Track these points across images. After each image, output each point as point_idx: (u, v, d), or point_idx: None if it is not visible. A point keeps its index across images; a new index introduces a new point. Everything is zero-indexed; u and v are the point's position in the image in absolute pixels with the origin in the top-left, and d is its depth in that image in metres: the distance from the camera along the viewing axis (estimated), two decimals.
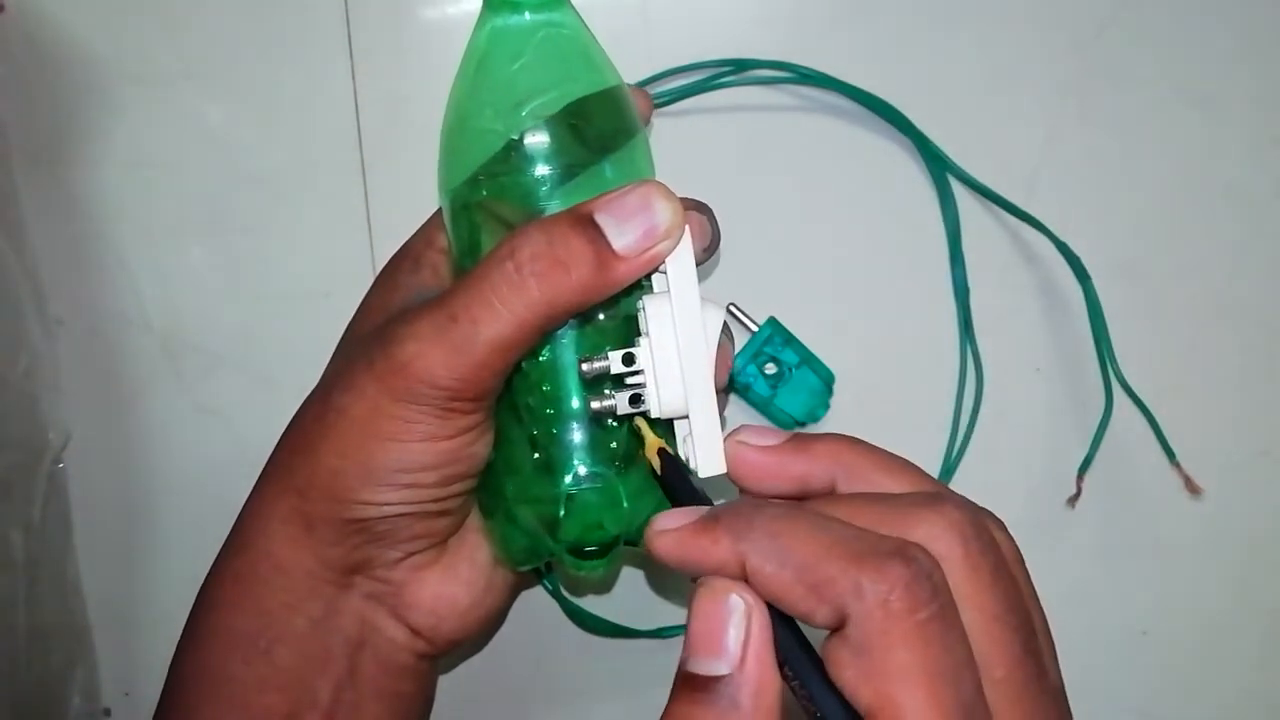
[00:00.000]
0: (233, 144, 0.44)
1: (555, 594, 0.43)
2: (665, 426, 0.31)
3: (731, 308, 0.43)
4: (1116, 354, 0.43)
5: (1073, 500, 0.43)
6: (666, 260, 0.30)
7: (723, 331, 0.33)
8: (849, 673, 0.24)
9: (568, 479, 0.32)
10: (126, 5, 0.44)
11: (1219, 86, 0.44)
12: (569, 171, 0.31)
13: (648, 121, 0.35)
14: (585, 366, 0.30)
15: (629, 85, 0.34)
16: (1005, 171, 0.43)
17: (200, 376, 0.44)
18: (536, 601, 0.44)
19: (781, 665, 0.25)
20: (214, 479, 0.43)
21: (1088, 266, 0.43)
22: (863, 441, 0.30)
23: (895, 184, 0.44)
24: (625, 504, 0.32)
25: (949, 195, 0.43)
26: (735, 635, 0.25)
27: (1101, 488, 0.43)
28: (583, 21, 0.33)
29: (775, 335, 0.42)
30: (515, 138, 0.31)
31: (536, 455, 0.32)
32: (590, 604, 0.44)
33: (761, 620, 0.25)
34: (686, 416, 0.30)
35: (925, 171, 0.44)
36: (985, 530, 0.26)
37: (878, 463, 0.29)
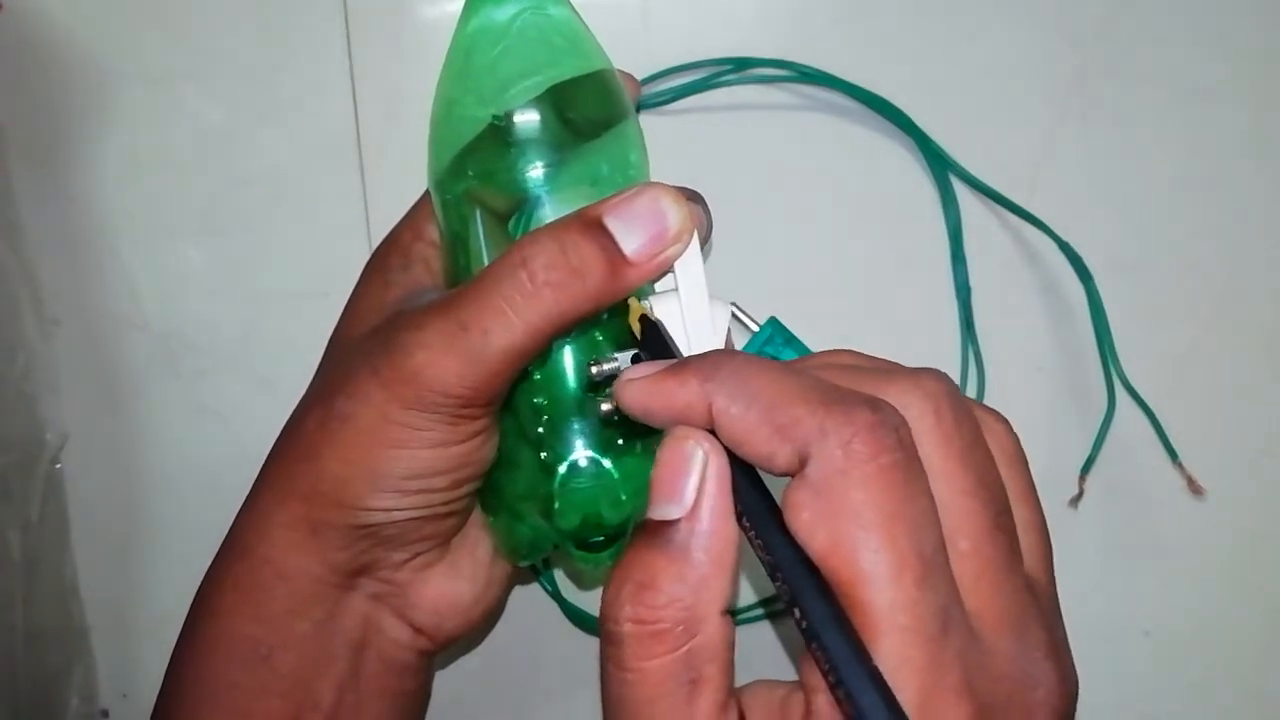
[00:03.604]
0: (231, 144, 0.44)
1: (555, 595, 0.43)
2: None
3: (732, 307, 0.43)
4: (1119, 354, 0.42)
5: (1075, 500, 0.43)
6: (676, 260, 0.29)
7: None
8: (805, 514, 0.24)
9: (563, 469, 0.32)
10: (125, 5, 0.44)
11: (1221, 85, 0.44)
12: (557, 155, 0.31)
13: (637, 102, 0.35)
14: (595, 369, 0.30)
15: (619, 70, 0.34)
16: (1007, 170, 0.43)
17: (198, 376, 0.44)
18: (536, 602, 0.44)
19: (740, 516, 0.25)
20: (212, 479, 0.43)
21: (1090, 266, 0.42)
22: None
23: (896, 183, 0.44)
24: (624, 496, 0.32)
25: (950, 194, 0.43)
26: (692, 481, 0.25)
27: (1103, 488, 0.43)
28: (570, 6, 0.33)
29: (776, 335, 0.42)
30: (500, 123, 0.31)
31: (544, 454, 0.32)
32: (590, 604, 0.43)
33: (718, 466, 0.25)
34: None
35: (926, 170, 0.43)
36: (964, 406, 0.25)
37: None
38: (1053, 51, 0.43)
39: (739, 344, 0.42)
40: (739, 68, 0.43)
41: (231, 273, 0.44)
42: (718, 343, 0.29)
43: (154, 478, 0.44)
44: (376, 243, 0.43)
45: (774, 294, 0.43)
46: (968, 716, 0.23)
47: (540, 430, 0.32)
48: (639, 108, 0.42)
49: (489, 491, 0.34)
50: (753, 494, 0.25)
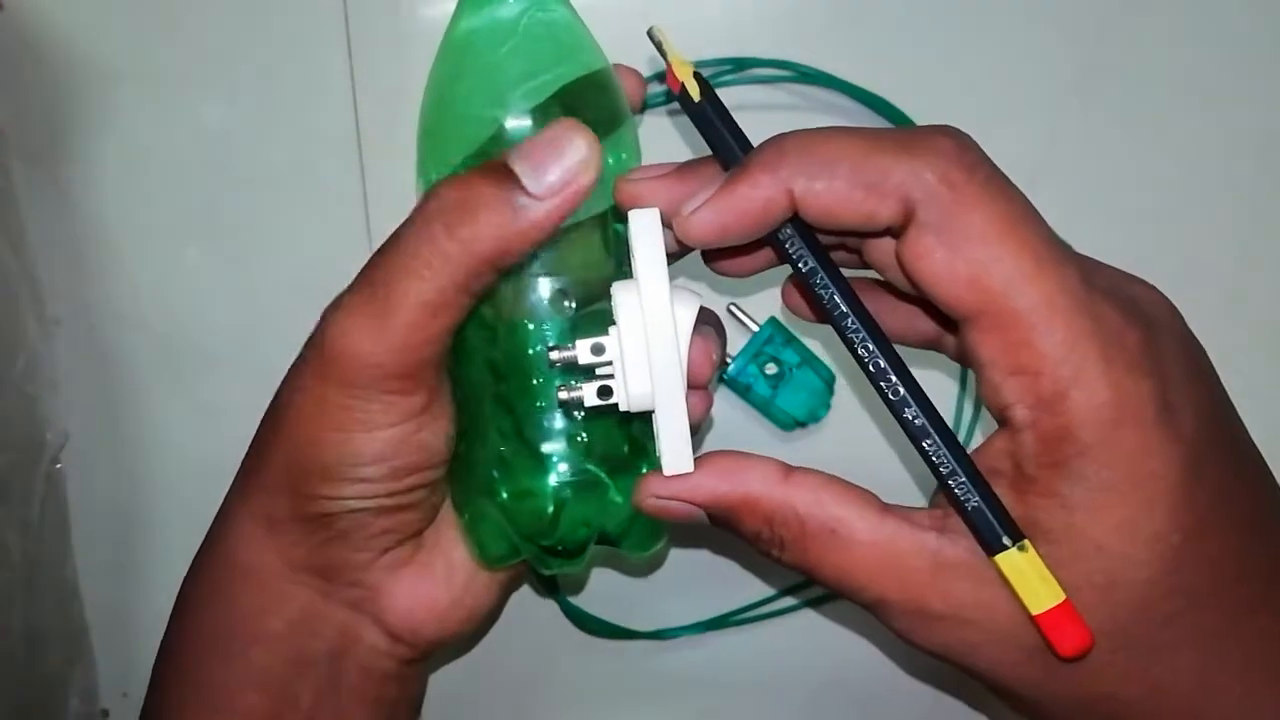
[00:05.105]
0: (231, 144, 0.44)
1: (555, 595, 0.43)
2: (643, 420, 0.30)
3: (732, 308, 0.43)
4: None
5: None
6: (633, 245, 0.28)
7: (711, 325, 0.31)
8: (937, 256, 0.25)
9: (552, 478, 0.31)
10: (125, 5, 0.44)
11: (1221, 85, 0.43)
12: None
13: (643, 99, 0.35)
14: (554, 355, 0.29)
15: (623, 65, 0.33)
16: (1007, 170, 0.43)
17: (198, 376, 0.44)
18: (534, 602, 0.44)
19: (796, 263, 0.27)
20: (212, 479, 0.43)
21: None
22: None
23: None
24: (616, 498, 0.31)
25: None
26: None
27: None
28: (570, 5, 0.32)
29: (776, 335, 0.42)
30: (506, 123, 0.30)
31: (504, 448, 0.31)
32: (589, 605, 0.43)
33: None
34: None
35: None
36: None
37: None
38: (1052, 51, 0.43)
39: (738, 344, 0.42)
40: (739, 68, 0.43)
41: (232, 272, 0.44)
42: (680, 339, 0.28)
43: (154, 477, 0.44)
44: (376, 242, 0.43)
45: (774, 294, 0.43)
46: (1140, 337, 0.25)
47: (518, 428, 0.31)
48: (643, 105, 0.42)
49: (459, 490, 0.33)
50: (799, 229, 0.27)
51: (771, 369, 0.42)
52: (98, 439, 0.44)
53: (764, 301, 0.43)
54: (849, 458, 0.44)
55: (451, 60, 0.32)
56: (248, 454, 0.33)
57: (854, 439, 0.43)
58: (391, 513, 0.31)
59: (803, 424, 0.42)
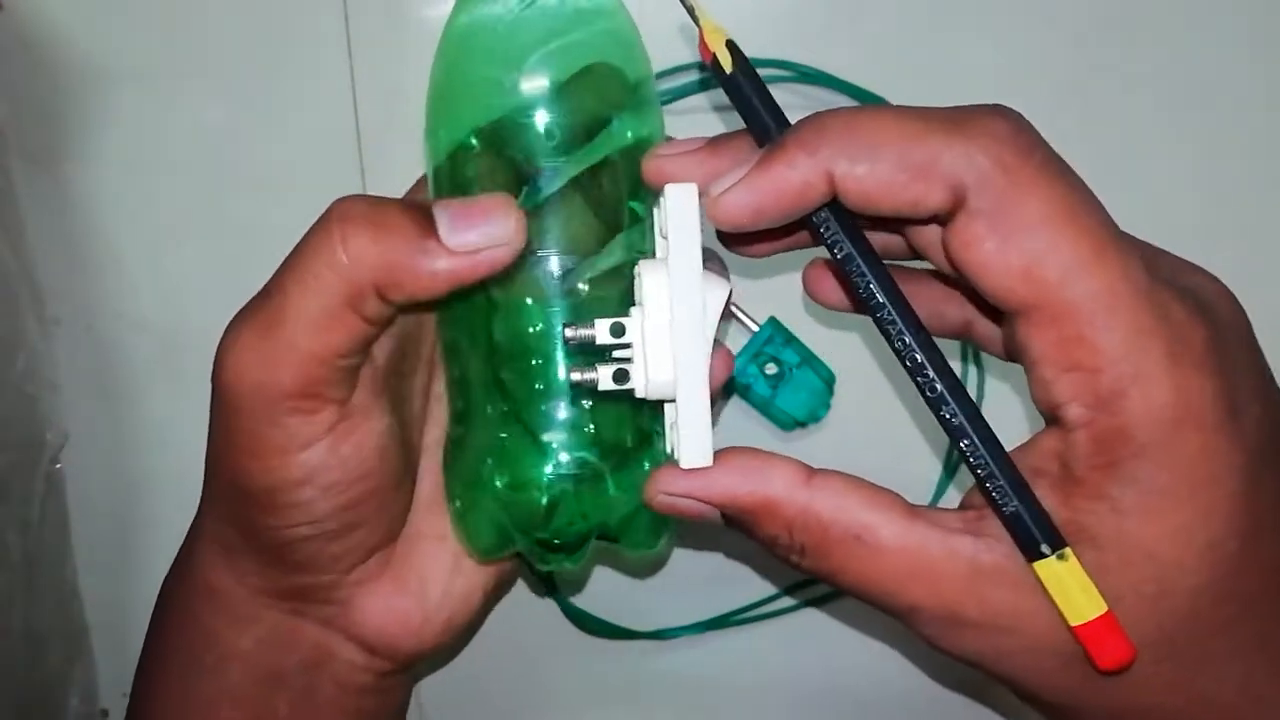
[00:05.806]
0: (231, 143, 0.44)
1: (554, 594, 0.43)
2: (655, 408, 0.29)
3: (732, 308, 0.43)
4: None
5: None
6: (669, 222, 0.26)
7: (723, 318, 0.31)
8: (987, 245, 0.23)
9: (549, 468, 0.29)
10: (125, 5, 0.44)
11: (1221, 85, 0.43)
12: (583, 126, 0.29)
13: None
14: (569, 333, 0.27)
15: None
16: None
17: (198, 377, 0.43)
18: (534, 602, 0.44)
19: (832, 248, 0.25)
20: None
21: None
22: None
23: None
24: (612, 491, 0.30)
25: None
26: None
27: None
28: None
29: (775, 335, 0.42)
30: (522, 86, 0.29)
31: (502, 435, 0.30)
32: (588, 605, 0.43)
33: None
34: (674, 400, 0.27)
35: None
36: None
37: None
38: (1053, 50, 0.43)
39: (738, 344, 0.42)
40: None
41: (232, 272, 0.44)
42: (707, 327, 0.26)
43: (154, 478, 0.44)
44: None
45: (774, 294, 0.43)
46: (1206, 334, 0.24)
47: (521, 414, 0.30)
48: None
49: (454, 477, 0.31)
50: (836, 213, 0.25)
51: (771, 369, 0.42)
52: (98, 439, 0.44)
53: (764, 301, 0.43)
54: (849, 458, 0.44)
55: (466, 21, 0.30)
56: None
57: (854, 439, 0.43)
58: (342, 534, 0.30)
59: (803, 424, 0.42)
